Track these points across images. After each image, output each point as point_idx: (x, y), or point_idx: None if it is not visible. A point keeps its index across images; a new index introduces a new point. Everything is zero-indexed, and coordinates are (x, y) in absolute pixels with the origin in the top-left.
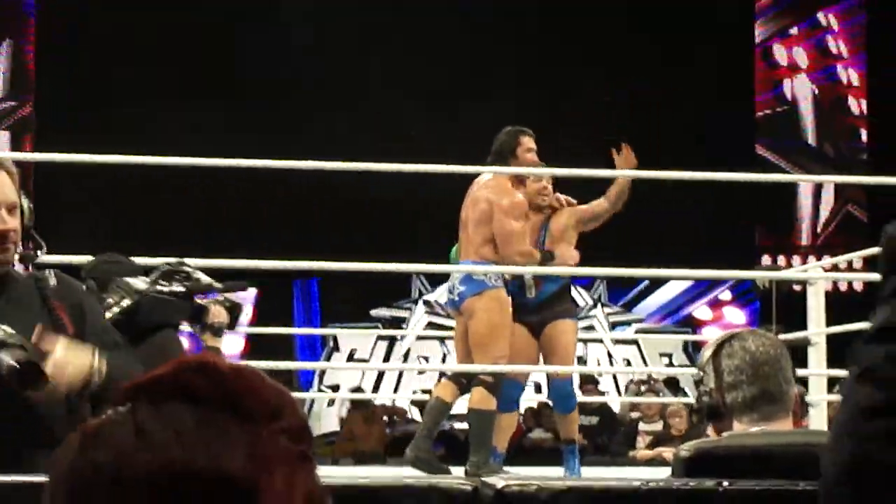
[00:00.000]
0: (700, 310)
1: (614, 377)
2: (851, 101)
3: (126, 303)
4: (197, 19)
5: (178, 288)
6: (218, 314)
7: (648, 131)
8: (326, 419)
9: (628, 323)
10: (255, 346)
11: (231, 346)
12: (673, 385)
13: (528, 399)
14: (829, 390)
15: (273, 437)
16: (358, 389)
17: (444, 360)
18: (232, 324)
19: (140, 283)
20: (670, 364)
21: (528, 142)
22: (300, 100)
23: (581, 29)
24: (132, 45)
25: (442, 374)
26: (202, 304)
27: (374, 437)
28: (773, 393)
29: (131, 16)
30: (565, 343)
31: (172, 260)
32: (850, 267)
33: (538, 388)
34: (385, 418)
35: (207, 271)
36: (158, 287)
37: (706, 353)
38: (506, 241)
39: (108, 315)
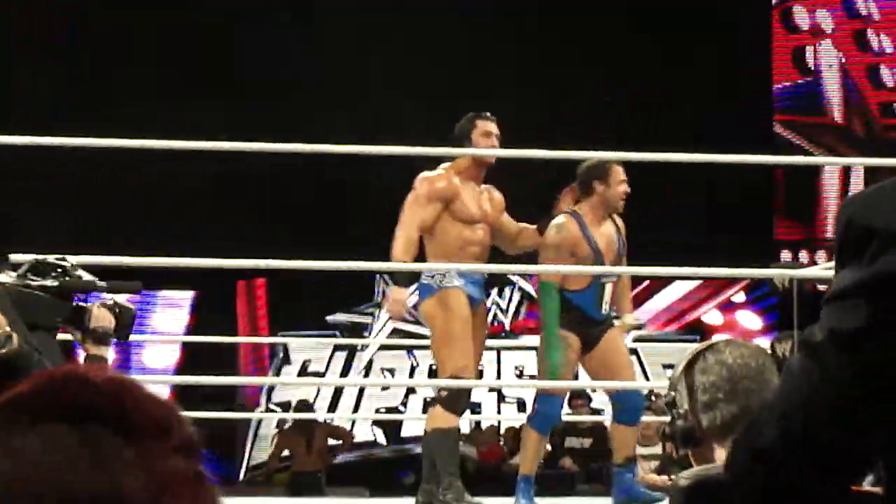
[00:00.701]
0: (710, 314)
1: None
2: (884, 72)
3: None
4: (196, 19)
5: (50, 283)
6: (102, 318)
7: (657, 106)
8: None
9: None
10: (192, 357)
11: (165, 357)
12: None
13: (510, 419)
14: None
15: (166, 455)
16: (305, 404)
17: (411, 374)
18: (121, 331)
19: (4, 276)
20: None
21: (483, 125)
22: (299, 100)
23: (580, 27)
24: (132, 44)
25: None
26: (82, 306)
27: (312, 461)
28: (757, 411)
29: (130, 16)
30: (625, 349)
31: (51, 257)
32: None
33: (521, 406)
34: (328, 440)
35: (141, 270)
36: (26, 281)
37: (677, 369)
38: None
39: None
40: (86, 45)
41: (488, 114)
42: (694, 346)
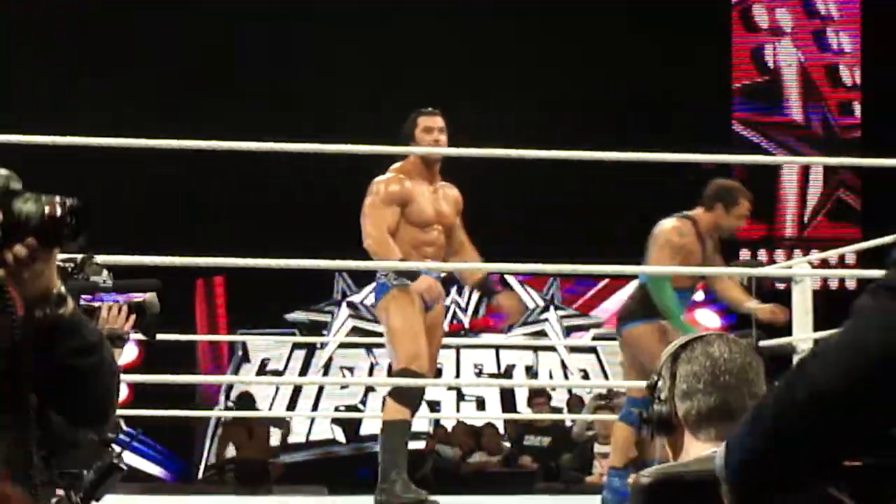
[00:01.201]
0: None
1: (569, 391)
2: (843, 71)
3: None
4: (195, 18)
5: None
6: (112, 320)
7: (603, 97)
8: None
9: (586, 328)
10: (150, 356)
11: (122, 355)
12: None
13: (473, 417)
14: None
15: None
16: (246, 397)
17: (370, 372)
18: (147, 330)
19: None
20: None
21: (424, 121)
22: (297, 100)
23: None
24: (132, 44)
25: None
26: (91, 307)
27: (255, 451)
28: (734, 408)
29: (129, 15)
30: None
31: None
32: (841, 262)
33: (480, 405)
34: (269, 429)
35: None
36: None
37: (664, 355)
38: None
39: None
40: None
41: (430, 108)
42: (686, 335)
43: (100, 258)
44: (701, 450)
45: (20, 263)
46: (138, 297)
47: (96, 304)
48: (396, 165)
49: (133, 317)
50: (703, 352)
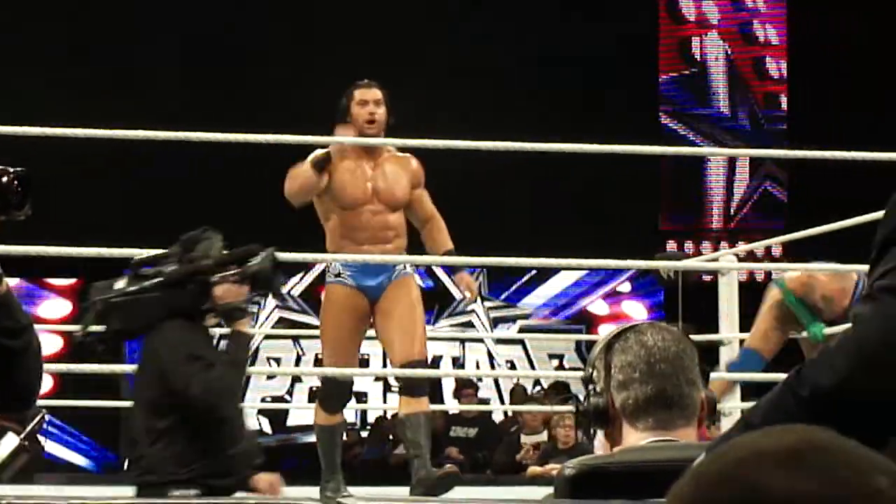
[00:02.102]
0: (595, 304)
1: (496, 382)
2: (770, 63)
3: (89, 316)
4: None
5: (151, 281)
6: (227, 294)
7: (536, 94)
8: None
9: (512, 319)
10: (77, 345)
11: (48, 345)
12: (560, 390)
13: (396, 409)
14: (744, 397)
15: None
16: None
17: (297, 363)
18: (268, 287)
19: (121, 282)
20: (560, 367)
21: (359, 94)
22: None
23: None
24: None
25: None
26: (207, 283)
27: None
28: (671, 396)
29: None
30: None
31: (197, 231)
32: (767, 254)
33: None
34: None
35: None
36: (133, 286)
37: (597, 346)
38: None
39: (78, 333)
40: None
41: (366, 80)
42: (617, 326)
43: (24, 249)
44: (639, 439)
45: None
46: (254, 262)
47: (212, 281)
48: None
49: (246, 286)
50: (636, 341)
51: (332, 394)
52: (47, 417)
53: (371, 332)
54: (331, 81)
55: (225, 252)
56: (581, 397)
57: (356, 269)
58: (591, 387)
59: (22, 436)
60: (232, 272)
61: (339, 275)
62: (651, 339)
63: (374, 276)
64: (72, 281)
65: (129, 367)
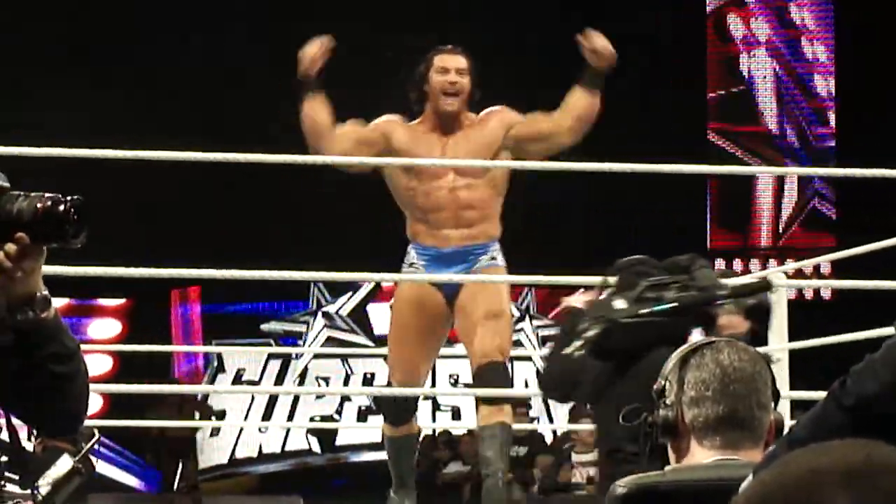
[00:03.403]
0: None
1: (545, 401)
2: (818, 81)
3: (593, 332)
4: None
5: (662, 307)
6: (730, 325)
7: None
8: (210, 452)
9: None
10: (126, 366)
11: (98, 366)
12: None
13: (449, 426)
14: (793, 414)
15: None
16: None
17: (346, 382)
18: (767, 320)
19: (621, 302)
20: None
21: (440, 60)
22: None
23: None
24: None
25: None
26: (710, 314)
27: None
28: (742, 417)
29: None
30: None
31: (683, 257)
32: (816, 272)
33: (456, 414)
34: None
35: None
36: (640, 309)
37: (672, 360)
38: None
39: (569, 348)
40: None
41: (450, 46)
42: (694, 340)
43: (72, 270)
44: (705, 456)
45: (11, 261)
46: (752, 299)
47: (714, 312)
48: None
49: (748, 321)
50: (712, 358)
51: (391, 407)
52: (97, 436)
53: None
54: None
55: (741, 283)
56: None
57: (430, 258)
58: (662, 399)
59: (76, 458)
60: (734, 301)
61: (412, 265)
62: (727, 358)
63: (449, 266)
64: (121, 301)
65: (180, 388)
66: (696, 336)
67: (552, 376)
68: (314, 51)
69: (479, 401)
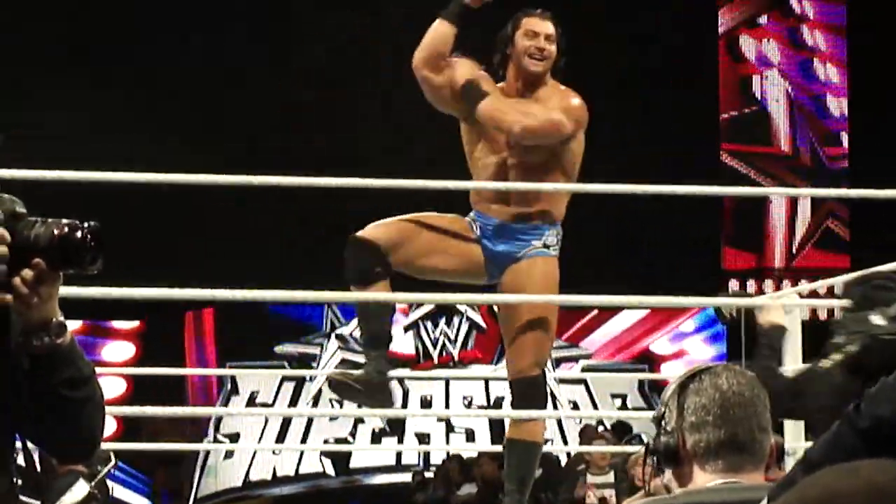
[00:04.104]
0: (658, 343)
1: (559, 422)
2: (831, 101)
3: (851, 348)
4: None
5: None
6: None
7: (597, 131)
8: (225, 474)
9: (575, 359)
10: (139, 389)
11: (111, 388)
12: (623, 431)
13: (459, 449)
14: (807, 436)
15: None
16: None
17: (360, 405)
18: None
19: (879, 318)
20: (624, 406)
21: (528, 23)
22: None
23: None
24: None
25: None
26: None
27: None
28: (743, 441)
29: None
30: None
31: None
32: (830, 292)
33: (470, 436)
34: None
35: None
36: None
37: (671, 386)
38: None
39: (827, 361)
40: None
41: (539, 10)
42: (693, 367)
43: (86, 291)
44: (707, 480)
45: (29, 287)
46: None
47: None
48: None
49: None
50: (711, 384)
51: (350, 263)
52: (114, 460)
53: (431, 373)
54: None
55: None
56: (644, 438)
57: (483, 226)
58: (662, 425)
59: (92, 483)
60: None
61: (472, 219)
62: (726, 382)
63: (499, 240)
64: (135, 324)
65: (198, 410)
66: None
67: (782, 388)
68: None
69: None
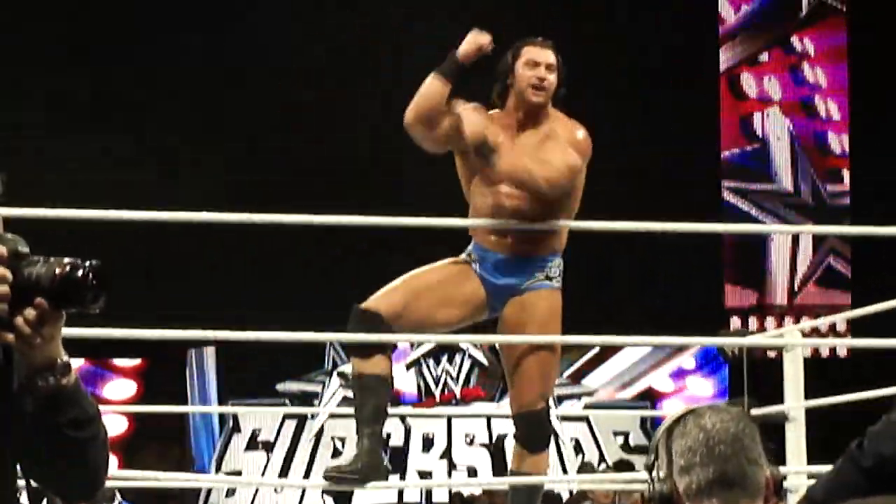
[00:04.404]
0: (660, 380)
1: (560, 458)
2: (832, 138)
3: None
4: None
5: None
6: None
7: (600, 170)
8: None
9: (577, 396)
10: (141, 427)
11: (112, 426)
12: (626, 468)
13: (461, 485)
14: (810, 474)
15: None
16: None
17: None
18: None
19: None
20: (626, 444)
21: (530, 52)
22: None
23: None
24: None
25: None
26: None
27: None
28: (733, 476)
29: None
30: None
31: None
32: (832, 330)
33: (472, 473)
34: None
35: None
36: None
37: (658, 433)
38: None
39: None
40: None
41: (540, 38)
42: (676, 410)
43: (88, 332)
44: None
45: (31, 327)
46: None
47: None
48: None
49: None
50: (695, 424)
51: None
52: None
53: (434, 409)
54: None
55: None
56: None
57: (482, 258)
58: (654, 473)
59: None
60: None
61: (469, 254)
62: (709, 421)
63: (504, 276)
64: (136, 362)
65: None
66: None
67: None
68: (485, 43)
69: (517, 440)
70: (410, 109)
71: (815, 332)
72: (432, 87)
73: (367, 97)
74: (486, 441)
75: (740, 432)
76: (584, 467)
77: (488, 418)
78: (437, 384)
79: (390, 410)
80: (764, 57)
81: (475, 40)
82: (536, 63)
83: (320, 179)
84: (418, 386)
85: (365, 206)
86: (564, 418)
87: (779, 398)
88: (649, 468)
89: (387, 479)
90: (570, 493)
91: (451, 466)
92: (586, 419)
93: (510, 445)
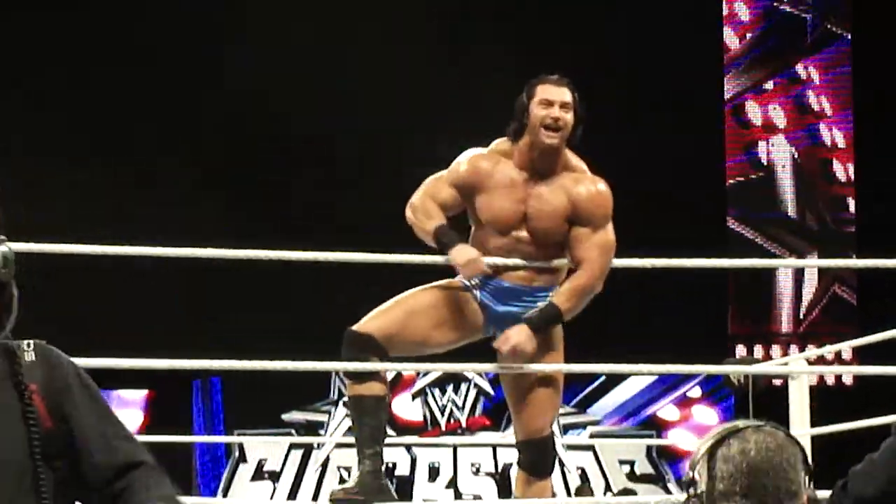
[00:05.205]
0: (665, 409)
1: (566, 487)
2: (837, 166)
3: None
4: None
5: None
6: None
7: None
8: None
9: (583, 426)
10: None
11: None
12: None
13: None
14: None
15: None
16: None
17: None
18: None
19: None
20: (632, 472)
21: (545, 91)
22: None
23: None
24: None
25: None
26: None
27: None
28: None
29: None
30: None
31: None
32: (838, 358)
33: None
34: None
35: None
36: None
37: (701, 449)
38: None
39: None
40: None
41: (556, 77)
42: (721, 427)
43: (94, 362)
44: None
45: None
46: None
47: None
48: (500, 142)
49: None
50: (739, 450)
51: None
52: None
53: (440, 439)
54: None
55: None
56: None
57: (487, 282)
58: (691, 490)
59: None
60: None
61: (470, 279)
62: (754, 447)
63: (507, 304)
64: (143, 392)
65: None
66: None
67: None
68: (481, 269)
69: (521, 466)
70: (409, 219)
71: (820, 360)
72: (427, 234)
73: (370, 132)
74: (492, 470)
75: (784, 461)
76: (583, 491)
77: (494, 447)
78: (442, 413)
79: (396, 440)
80: (768, 85)
81: (475, 264)
82: (550, 102)
83: (324, 213)
84: (424, 415)
85: (370, 240)
86: (570, 447)
87: (784, 426)
88: (687, 485)
89: (393, 499)
90: None
91: (457, 495)
92: (592, 448)
93: (514, 473)
